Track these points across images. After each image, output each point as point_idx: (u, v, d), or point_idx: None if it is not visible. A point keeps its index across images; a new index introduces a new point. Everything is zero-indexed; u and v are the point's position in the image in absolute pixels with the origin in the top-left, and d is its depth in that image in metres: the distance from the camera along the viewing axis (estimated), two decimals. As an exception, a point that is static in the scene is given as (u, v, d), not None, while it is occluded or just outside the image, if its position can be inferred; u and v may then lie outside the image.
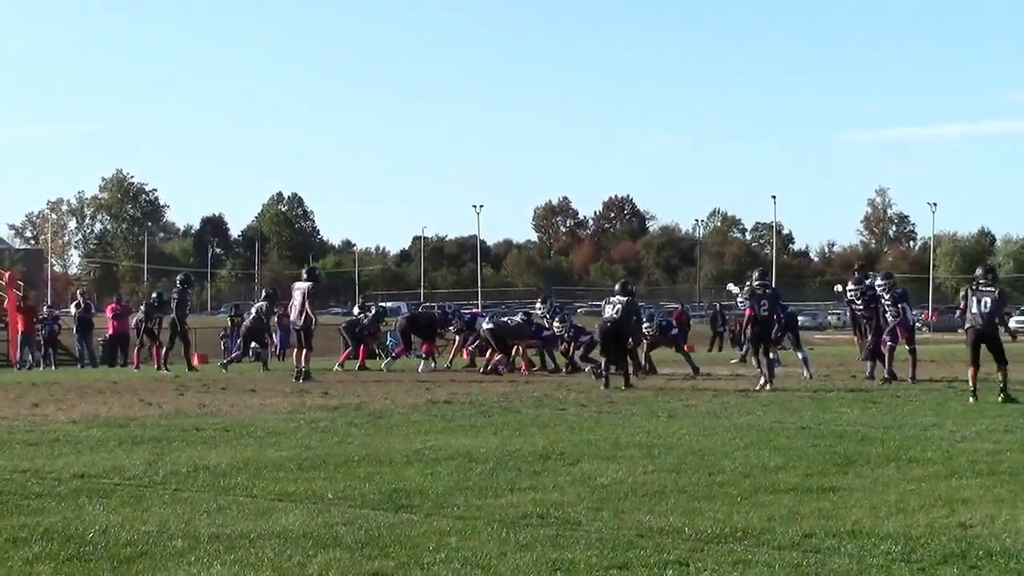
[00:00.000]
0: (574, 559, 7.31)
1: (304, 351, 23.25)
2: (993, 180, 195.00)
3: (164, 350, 27.41)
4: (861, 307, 23.30)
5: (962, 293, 19.59)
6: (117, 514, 8.76)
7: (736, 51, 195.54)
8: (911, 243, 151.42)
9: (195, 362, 28.84)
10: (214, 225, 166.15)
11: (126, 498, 9.48)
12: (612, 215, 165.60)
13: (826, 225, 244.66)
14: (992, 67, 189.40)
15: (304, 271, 25.51)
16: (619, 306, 21.75)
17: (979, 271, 19.66)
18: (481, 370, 25.73)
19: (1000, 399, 17.88)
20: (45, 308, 41.46)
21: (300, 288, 23.84)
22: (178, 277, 28.87)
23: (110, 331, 35.04)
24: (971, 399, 17.98)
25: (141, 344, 29.07)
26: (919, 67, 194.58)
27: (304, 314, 23.35)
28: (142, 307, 30.06)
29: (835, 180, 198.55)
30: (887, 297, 22.50)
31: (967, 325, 18.86)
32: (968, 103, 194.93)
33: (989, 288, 18.81)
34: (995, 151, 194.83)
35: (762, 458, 11.53)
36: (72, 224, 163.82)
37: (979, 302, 18.70)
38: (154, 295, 30.09)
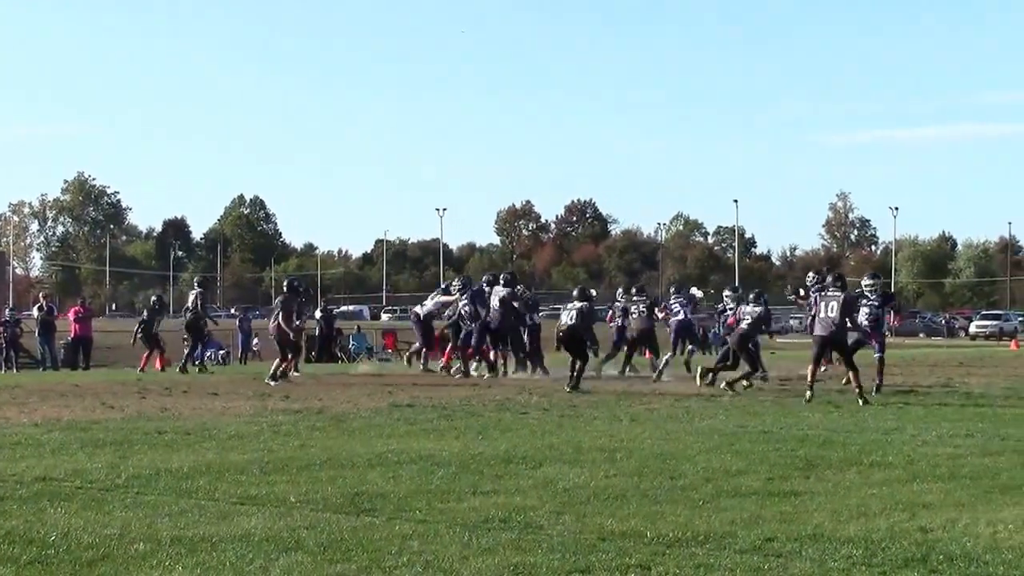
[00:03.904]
0: (536, 563, 7.32)
1: (280, 358, 23.97)
2: (954, 185, 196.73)
3: (189, 350, 28.22)
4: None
5: (812, 299, 20.03)
6: (79, 517, 8.72)
7: (698, 55, 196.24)
8: (872, 247, 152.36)
9: (158, 365, 28.74)
10: (176, 228, 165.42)
11: (88, 501, 9.43)
12: (574, 219, 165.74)
13: (788, 229, 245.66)
14: (954, 71, 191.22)
15: (284, 283, 26.08)
16: (574, 312, 21.93)
17: (829, 278, 20.51)
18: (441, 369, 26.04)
19: (860, 403, 18.21)
20: (7, 311, 41.19)
21: (279, 298, 25.08)
22: (196, 279, 29.42)
23: (73, 334, 34.89)
24: (808, 393, 18.77)
25: (151, 348, 28.87)
26: (879, 71, 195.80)
27: (278, 324, 24.03)
28: (144, 310, 30.27)
29: (797, 184, 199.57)
30: (872, 298, 22.62)
31: (815, 331, 19.44)
32: (930, 107, 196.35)
33: (836, 293, 19.32)
34: (956, 156, 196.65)
35: (724, 462, 11.58)
36: (34, 227, 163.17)
37: (827, 306, 19.22)
38: (154, 298, 29.94)
